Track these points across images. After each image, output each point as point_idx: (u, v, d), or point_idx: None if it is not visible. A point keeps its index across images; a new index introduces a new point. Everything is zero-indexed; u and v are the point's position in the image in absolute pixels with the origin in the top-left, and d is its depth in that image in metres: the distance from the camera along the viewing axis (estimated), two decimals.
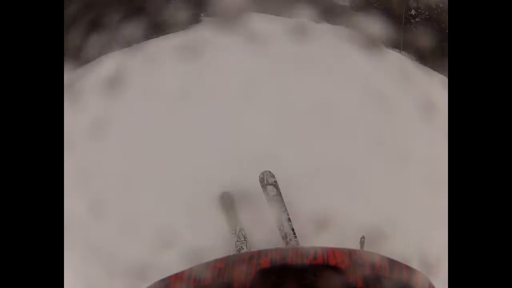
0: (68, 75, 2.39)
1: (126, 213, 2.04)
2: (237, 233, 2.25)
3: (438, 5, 2.92)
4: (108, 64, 2.63)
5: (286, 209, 2.16)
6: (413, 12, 3.03)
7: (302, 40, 2.61)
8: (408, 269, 0.77)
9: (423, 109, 2.29)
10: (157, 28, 2.82)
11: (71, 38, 2.43)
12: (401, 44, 2.94)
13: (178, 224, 2.06)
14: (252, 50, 2.64)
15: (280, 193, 2.20)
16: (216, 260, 0.76)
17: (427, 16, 3.01)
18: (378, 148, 2.42)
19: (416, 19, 3.02)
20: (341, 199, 2.19)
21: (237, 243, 2.23)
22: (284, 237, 2.11)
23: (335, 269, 0.73)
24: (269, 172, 2.24)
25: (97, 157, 2.23)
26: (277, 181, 2.24)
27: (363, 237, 2.05)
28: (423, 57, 2.81)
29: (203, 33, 2.87)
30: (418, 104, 2.36)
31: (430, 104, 2.24)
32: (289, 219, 2.14)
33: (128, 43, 2.69)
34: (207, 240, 2.06)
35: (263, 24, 2.80)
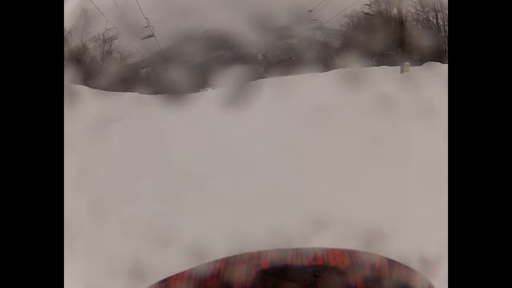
0: None
1: (126, 213, 2.04)
2: None
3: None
4: None
5: None
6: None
7: None
8: (408, 269, 0.77)
9: (423, 108, 2.29)
10: None
11: None
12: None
13: (178, 223, 2.06)
14: None
15: None
16: (216, 261, 0.76)
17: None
18: (378, 148, 2.41)
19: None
20: (341, 199, 2.18)
21: None
22: None
23: (335, 270, 0.74)
24: None
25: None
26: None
27: None
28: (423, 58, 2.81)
29: None
30: (418, 103, 2.36)
31: (430, 104, 2.24)
32: None
33: None
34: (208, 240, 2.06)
35: None
